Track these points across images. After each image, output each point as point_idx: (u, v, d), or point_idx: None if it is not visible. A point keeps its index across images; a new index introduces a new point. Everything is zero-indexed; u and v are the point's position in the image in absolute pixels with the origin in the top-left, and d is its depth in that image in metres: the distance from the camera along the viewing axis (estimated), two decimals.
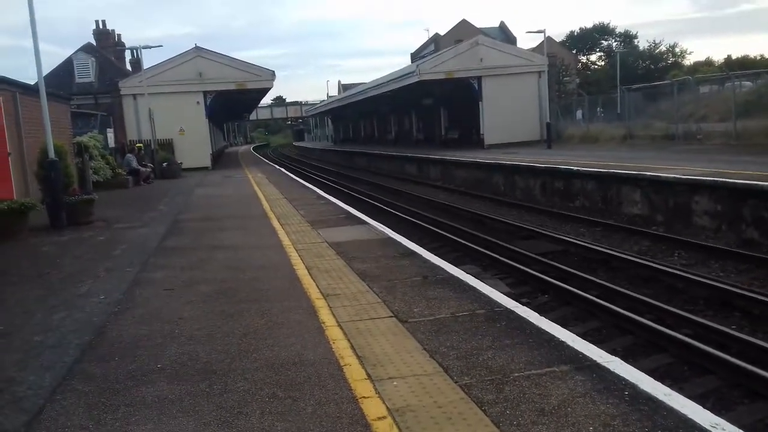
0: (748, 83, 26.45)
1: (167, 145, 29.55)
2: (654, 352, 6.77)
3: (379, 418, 3.46)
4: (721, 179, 12.35)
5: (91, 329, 5.48)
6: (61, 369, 4.55)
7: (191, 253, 8.96)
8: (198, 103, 30.60)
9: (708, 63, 58.93)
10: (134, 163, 23.25)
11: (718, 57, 69.18)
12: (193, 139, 30.45)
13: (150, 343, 5.02)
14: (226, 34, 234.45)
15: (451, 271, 6.86)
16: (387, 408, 3.58)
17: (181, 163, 28.23)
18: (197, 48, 30.97)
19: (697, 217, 12.80)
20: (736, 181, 12.01)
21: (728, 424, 3.12)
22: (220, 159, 43.13)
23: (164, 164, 26.76)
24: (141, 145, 26.31)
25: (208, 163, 31.51)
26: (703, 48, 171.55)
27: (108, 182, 20.51)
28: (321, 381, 4.04)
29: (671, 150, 21.22)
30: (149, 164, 25.05)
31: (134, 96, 29.79)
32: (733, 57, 58.82)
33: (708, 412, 3.26)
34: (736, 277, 9.60)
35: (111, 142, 24.78)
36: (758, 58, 55.37)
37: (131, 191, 20.63)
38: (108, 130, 25.80)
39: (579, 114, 34.39)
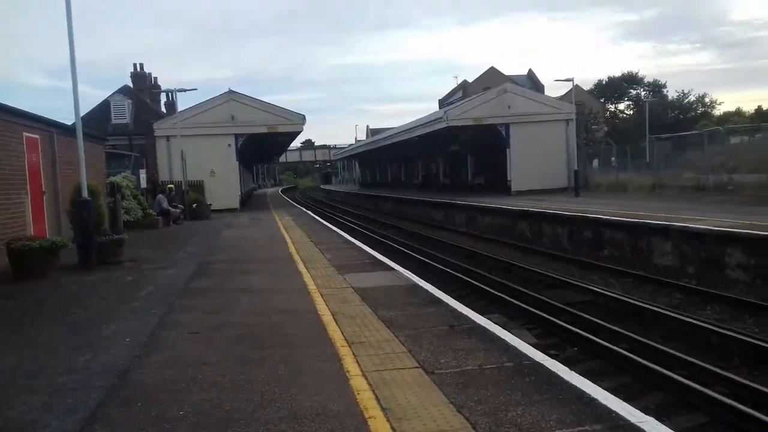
0: None
1: (198, 187, 29.99)
2: (687, 410, 6.54)
3: None
4: (754, 231, 12.11)
5: (115, 372, 5.47)
6: (84, 412, 4.52)
7: (217, 295, 8.98)
8: (229, 145, 31.12)
9: (738, 113, 58.57)
10: (165, 204, 23.58)
11: (748, 108, 68.77)
12: (223, 180, 30.88)
13: (173, 388, 4.99)
14: (261, 78, 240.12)
15: (478, 321, 6.75)
16: None
17: (210, 204, 28.59)
18: (230, 92, 31.69)
19: (730, 270, 12.51)
20: None
21: None
22: (248, 201, 43.59)
23: (194, 205, 27.11)
24: (172, 186, 26.73)
25: (236, 204, 31.86)
26: (730, 99, 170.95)
27: (139, 222, 20.81)
28: None
29: (702, 201, 20.93)
30: (179, 205, 25.39)
31: (167, 137, 30.44)
32: (764, 108, 58.38)
33: None
34: None
35: (143, 183, 25.23)
36: None
37: (161, 232, 20.88)
38: (141, 170, 26.30)
39: (596, 163, 34.27)
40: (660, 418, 5.10)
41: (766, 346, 8.20)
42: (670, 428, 3.94)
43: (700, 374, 7.37)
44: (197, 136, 29.99)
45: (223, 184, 30.95)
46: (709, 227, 13.27)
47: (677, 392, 6.92)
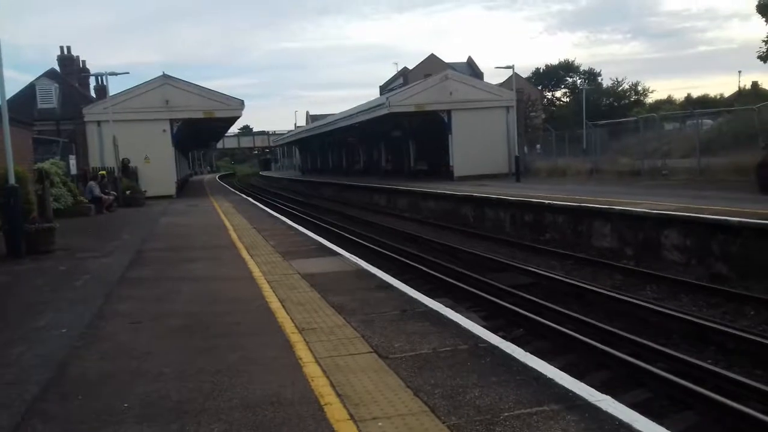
0: (708, 121, 27.22)
1: (132, 173, 28.99)
2: (632, 386, 6.69)
3: None
4: (690, 214, 12.53)
5: (52, 365, 5.16)
6: (19, 408, 4.23)
7: (158, 284, 8.65)
8: (164, 130, 30.20)
9: (669, 101, 60.68)
10: (96, 191, 22.68)
11: (678, 96, 71.37)
12: (158, 167, 29.97)
13: (116, 380, 4.74)
14: (195, 63, 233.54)
15: (429, 305, 6.70)
16: None
17: (145, 191, 27.70)
18: (165, 76, 30.69)
19: (666, 252, 12.92)
20: (705, 216, 12.18)
21: None
22: (185, 187, 42.53)
23: (127, 192, 26.20)
24: (104, 172, 25.73)
25: (172, 191, 31.00)
26: (661, 87, 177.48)
27: (69, 210, 19.90)
28: (301, 422, 3.82)
29: (638, 185, 21.58)
30: (112, 192, 24.47)
31: (98, 123, 29.27)
32: (693, 96, 60.74)
33: None
34: (708, 310, 9.64)
35: (73, 169, 24.17)
36: (717, 97, 57.24)
37: (93, 219, 20.06)
38: (70, 156, 25.19)
39: (538, 147, 34.95)
40: (606, 394, 5.17)
41: (702, 323, 8.49)
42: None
43: (642, 351, 7.56)
44: (130, 121, 28.95)
45: (158, 171, 30.04)
46: (646, 210, 13.67)
47: (622, 370, 7.07)
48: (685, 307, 9.74)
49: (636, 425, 3.52)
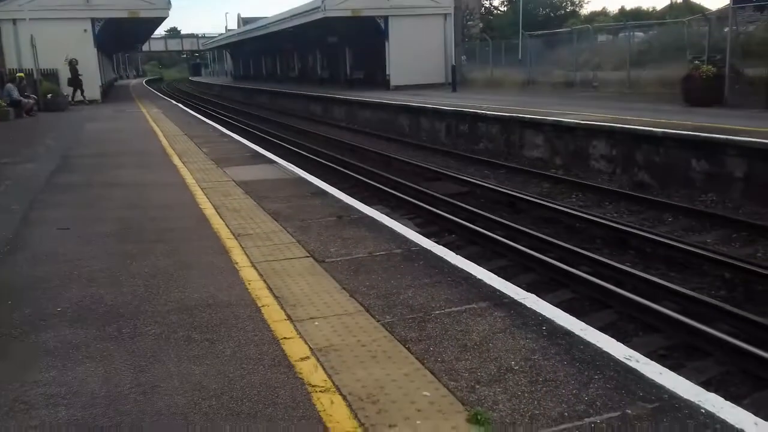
0: (640, 34, 27.55)
1: (52, 76, 27.30)
2: (557, 288, 7.08)
3: (303, 359, 3.39)
4: (617, 125, 12.90)
5: None
6: None
7: (86, 190, 8.40)
8: (85, 30, 28.28)
9: (603, 13, 60.85)
10: (15, 94, 21.36)
11: (613, 7, 71.78)
12: (80, 69, 28.27)
13: (46, 286, 4.67)
14: None
15: (364, 211, 6.80)
16: (310, 348, 3.51)
17: (67, 95, 26.25)
18: None
19: (594, 161, 13.37)
20: (630, 126, 12.58)
21: (640, 355, 3.28)
22: (110, 92, 40.57)
23: (49, 96, 24.78)
24: (22, 74, 24.14)
25: (97, 96, 29.49)
26: None
27: None
28: (239, 323, 3.90)
29: (570, 96, 21.93)
30: (32, 95, 23.10)
31: (14, 21, 27.08)
32: (627, 8, 61.09)
33: (621, 345, 3.41)
34: (629, 217, 10.14)
35: None
36: (650, 9, 57.76)
37: (13, 124, 19.01)
38: None
39: (463, 59, 34.67)
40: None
41: (623, 228, 8.95)
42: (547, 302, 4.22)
43: (567, 256, 7.95)
44: (48, 20, 26.90)
45: (81, 73, 28.36)
46: (576, 121, 13.98)
47: (547, 273, 7.44)
48: (608, 214, 10.21)
49: (557, 320, 3.76)
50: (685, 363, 5.27)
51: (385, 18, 32.02)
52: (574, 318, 3.82)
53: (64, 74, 27.89)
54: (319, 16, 31.62)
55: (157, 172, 9.74)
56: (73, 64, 26.77)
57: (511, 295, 4.20)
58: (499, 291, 4.30)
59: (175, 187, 8.43)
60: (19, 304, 4.30)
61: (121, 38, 43.63)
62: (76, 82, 27.88)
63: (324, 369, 3.26)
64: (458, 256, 5.15)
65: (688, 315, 5.89)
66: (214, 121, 20.03)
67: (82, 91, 28.16)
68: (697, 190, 10.98)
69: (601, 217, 9.65)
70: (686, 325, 5.66)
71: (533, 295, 4.24)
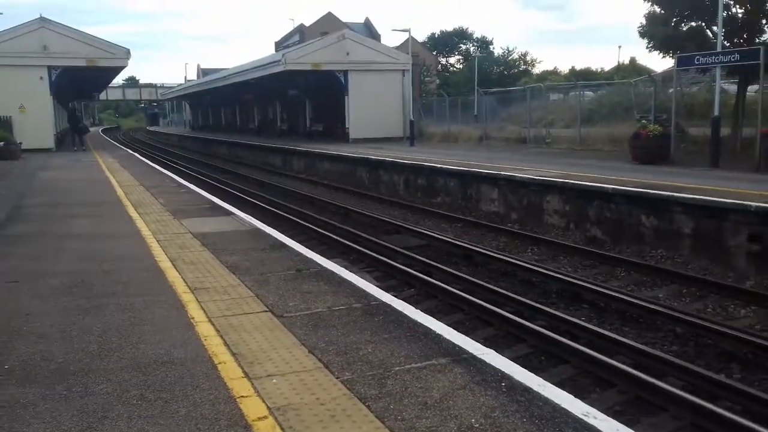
0: (590, 93, 28.73)
1: (5, 123, 26.80)
2: (514, 342, 7.14)
3: (260, 418, 3.32)
4: (569, 181, 13.28)
5: None
6: None
7: (37, 241, 8.19)
8: (41, 78, 27.99)
9: (555, 72, 63.29)
10: None
11: (564, 67, 74.64)
12: (35, 117, 27.81)
13: None
14: (75, 6, 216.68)
15: (324, 264, 6.79)
16: (267, 407, 3.45)
17: (20, 143, 25.74)
18: (42, 19, 28.31)
19: (548, 216, 13.68)
20: (582, 183, 12.96)
21: (597, 411, 3.32)
22: (65, 140, 39.93)
23: (1, 143, 24.25)
24: None
25: (51, 144, 28.99)
26: (549, 56, 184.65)
27: None
28: (194, 381, 3.82)
29: (523, 152, 22.54)
30: None
31: None
32: (577, 68, 63.69)
33: (579, 401, 3.45)
34: (582, 271, 10.35)
35: None
36: (599, 70, 60.31)
37: None
38: None
39: (420, 113, 35.41)
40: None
41: (577, 282, 9.12)
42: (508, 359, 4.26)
43: (524, 309, 8.04)
44: (3, 66, 26.62)
45: (36, 121, 27.89)
46: (531, 176, 14.34)
47: (505, 327, 7.50)
48: (562, 268, 10.41)
49: (516, 376, 3.79)
50: (641, 418, 5.34)
51: (345, 72, 32.62)
52: (533, 374, 3.86)
53: (18, 121, 27.42)
54: (279, 68, 32.03)
55: (112, 223, 9.56)
56: (74, 112, 26.46)
57: (471, 351, 4.22)
58: (459, 346, 4.32)
59: (131, 238, 8.28)
60: None
61: (79, 86, 43.22)
62: (79, 129, 28.04)
63: (282, 429, 3.20)
64: (418, 311, 5.17)
65: (642, 370, 6.00)
66: (171, 172, 19.86)
67: (82, 140, 28.53)
68: (647, 245, 11.30)
69: (556, 272, 9.82)
70: (640, 380, 5.75)
71: (492, 350, 4.27)
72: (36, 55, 27.64)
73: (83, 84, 41.83)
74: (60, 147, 30.79)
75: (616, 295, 8.45)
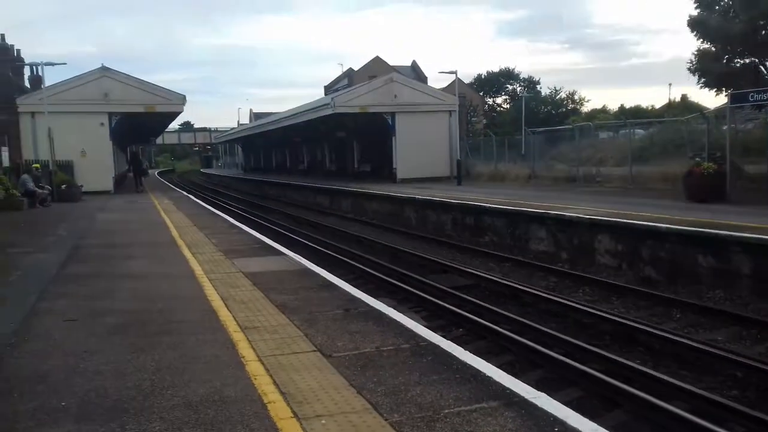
0: (640, 131, 28.29)
1: (67, 167, 28.01)
2: (566, 385, 6.96)
3: None
4: (621, 220, 13.03)
5: None
6: None
7: (95, 281, 8.45)
8: (102, 124, 29.28)
9: (604, 111, 62.70)
10: (30, 185, 21.86)
11: (613, 105, 73.95)
12: (95, 161, 29.02)
13: (52, 379, 4.64)
14: (134, 56, 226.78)
15: (372, 304, 6.80)
16: None
17: (81, 186, 26.84)
18: (104, 68, 29.76)
19: (599, 256, 13.41)
20: (634, 221, 12.70)
21: None
22: (123, 183, 41.38)
23: (63, 186, 25.33)
24: (38, 165, 24.81)
25: (110, 186, 30.11)
26: (597, 96, 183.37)
27: (0, 203, 19.14)
28: (244, 420, 3.85)
29: (573, 191, 22.27)
30: (47, 186, 23.63)
31: (32, 114, 28.15)
32: (626, 106, 62.98)
33: None
34: (636, 312, 10.07)
35: (5, 162, 23.22)
36: (649, 108, 59.51)
37: (27, 214, 19.33)
38: (2, 148, 24.17)
39: (480, 151, 35.38)
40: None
41: (632, 324, 8.87)
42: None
43: (575, 352, 7.85)
44: (66, 113, 27.93)
45: (96, 165, 29.09)
46: (580, 215, 14.14)
47: (556, 369, 7.33)
48: (615, 309, 10.15)
49: (569, 421, 3.70)
50: None
51: (392, 114, 33.08)
52: (587, 419, 3.75)
53: (79, 165, 28.61)
54: (329, 112, 32.72)
55: (166, 263, 9.82)
56: (136, 156, 27.72)
57: (522, 394, 4.14)
58: (510, 389, 4.24)
59: (184, 278, 8.48)
60: (23, 397, 4.27)
61: (137, 131, 44.96)
62: (140, 171, 29.62)
63: None
64: (467, 352, 5.12)
65: (700, 415, 5.76)
66: (223, 213, 20.34)
67: (141, 182, 30.07)
68: (704, 285, 10.95)
69: (608, 313, 9.59)
70: (699, 425, 5.53)
71: (544, 394, 4.18)
72: (97, 102, 28.97)
73: (141, 129, 43.50)
74: (118, 189, 31.90)
75: (672, 337, 8.19)
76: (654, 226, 12.17)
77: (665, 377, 6.86)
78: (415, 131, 32.82)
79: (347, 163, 43.46)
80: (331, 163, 47.68)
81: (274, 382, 4.47)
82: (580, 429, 3.58)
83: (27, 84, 36.70)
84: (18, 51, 38.11)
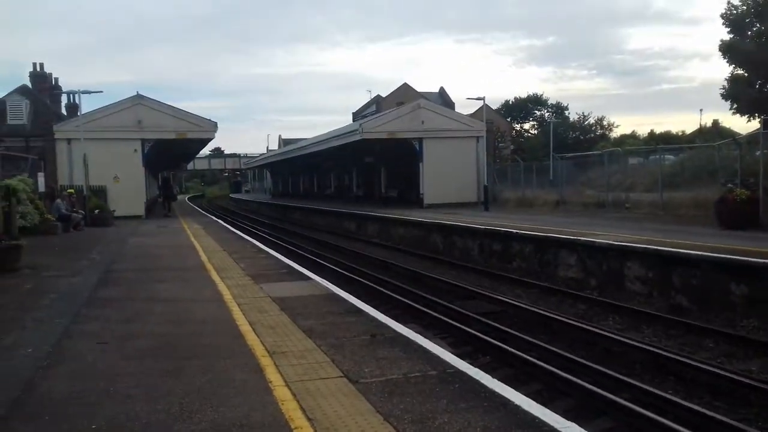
0: (671, 157, 28.00)
1: (100, 192, 28.66)
2: (596, 415, 6.84)
3: None
4: (651, 246, 12.86)
5: (18, 384, 5.11)
6: None
7: (126, 304, 8.59)
8: (135, 150, 30.01)
9: (633, 136, 62.28)
10: (64, 209, 22.37)
11: (642, 131, 73.41)
12: (127, 186, 29.69)
13: (83, 401, 4.72)
14: (165, 84, 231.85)
15: (399, 330, 6.79)
16: None
17: (113, 210, 27.39)
18: (138, 96, 30.57)
19: (629, 283, 13.22)
20: (665, 248, 12.53)
21: None
22: (154, 208, 42.09)
23: (96, 211, 25.87)
24: (72, 190, 25.41)
25: (141, 211, 30.70)
26: (626, 122, 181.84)
27: (36, 228, 19.56)
28: None
29: (602, 217, 22.06)
30: (80, 211, 24.15)
31: (68, 140, 29.01)
32: (656, 131, 62.45)
33: None
34: (667, 341, 9.89)
35: (41, 187, 23.81)
36: (679, 133, 58.91)
37: (60, 238, 19.74)
38: (39, 174, 24.82)
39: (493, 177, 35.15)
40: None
41: (663, 353, 8.71)
42: None
43: (605, 381, 7.73)
44: (101, 140, 28.74)
45: (128, 191, 29.76)
46: (610, 242, 13.99)
47: (585, 398, 7.22)
48: (646, 338, 9.98)
49: None
50: None
51: (420, 140, 33.27)
52: None
53: (112, 191, 29.25)
54: (357, 138, 33.03)
55: (195, 287, 9.94)
56: (166, 181, 28.52)
57: (551, 424, 4.09)
58: (539, 418, 4.20)
59: (213, 303, 8.57)
60: (55, 420, 4.35)
61: (168, 157, 45.84)
62: (170, 196, 30.66)
63: None
64: (494, 380, 5.08)
65: None
66: (251, 237, 20.54)
67: (170, 206, 30.90)
68: (738, 314, 10.71)
69: (639, 341, 9.43)
70: None
71: (575, 424, 4.13)
72: (131, 129, 29.73)
73: (173, 155, 44.32)
74: (149, 214, 32.46)
75: (705, 367, 8.01)
76: (685, 253, 11.98)
77: (699, 408, 6.71)
78: (443, 157, 32.93)
79: (374, 188, 43.70)
80: (358, 189, 47.97)
81: (301, 408, 4.48)
82: None
83: (64, 111, 37.82)
84: (56, 79, 39.44)
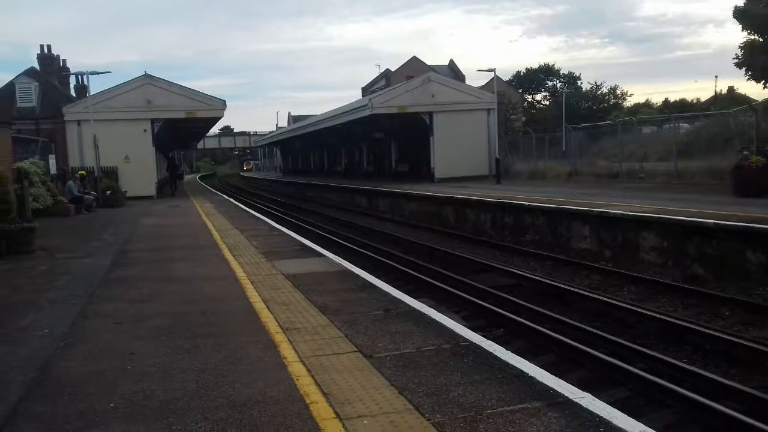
0: (685, 125, 27.63)
1: (111, 173, 28.77)
2: (611, 385, 6.82)
3: None
4: (666, 216, 12.74)
5: (35, 365, 5.16)
6: (4, 409, 4.23)
7: (140, 284, 8.63)
8: (145, 130, 30.02)
9: (647, 105, 61.53)
10: (76, 191, 22.48)
11: (656, 100, 72.43)
12: (138, 167, 29.75)
13: (100, 380, 4.75)
14: (172, 63, 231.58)
15: (412, 305, 6.78)
16: None
17: (125, 191, 27.51)
18: (146, 75, 30.49)
19: (644, 253, 13.13)
20: (681, 218, 12.40)
21: None
22: (165, 188, 42.27)
23: (108, 192, 26.00)
24: (84, 172, 25.52)
25: (153, 191, 30.81)
26: (640, 91, 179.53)
27: (48, 210, 19.73)
28: (287, 420, 3.88)
29: (616, 187, 21.86)
30: (92, 192, 24.27)
31: (78, 122, 29.05)
32: (671, 100, 61.60)
33: None
34: (684, 311, 9.82)
35: (52, 169, 23.94)
36: (694, 101, 58.09)
37: (73, 219, 19.89)
38: (50, 156, 24.94)
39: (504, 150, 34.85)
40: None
41: (678, 323, 8.66)
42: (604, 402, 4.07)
43: (620, 351, 7.69)
44: (111, 120, 28.75)
45: (139, 171, 29.83)
46: (624, 212, 13.87)
47: (600, 369, 7.20)
48: (662, 308, 9.92)
49: (615, 422, 3.62)
50: None
51: (430, 114, 33.02)
52: (633, 419, 3.67)
53: (123, 171, 29.35)
54: (366, 113, 32.83)
55: (208, 266, 9.97)
56: (173, 161, 28.67)
57: (566, 394, 4.07)
58: (553, 389, 4.18)
59: (226, 281, 8.60)
60: (73, 399, 4.38)
61: (178, 137, 45.89)
62: (177, 175, 30.77)
63: None
64: (509, 352, 5.06)
65: (753, 416, 5.58)
66: (263, 215, 20.58)
67: (176, 185, 31.23)
68: (754, 282, 10.61)
69: (655, 311, 9.37)
70: (751, 425, 5.35)
71: (589, 394, 4.10)
72: (141, 110, 29.71)
73: (182, 134, 44.39)
74: (160, 194, 32.58)
75: (722, 336, 7.96)
76: (701, 221, 11.85)
77: (715, 377, 6.67)
78: (453, 130, 32.70)
79: (385, 163, 43.54)
80: (369, 164, 47.82)
81: (316, 383, 4.49)
82: (626, 430, 3.50)
83: (73, 93, 37.81)
84: (64, 61, 39.36)
